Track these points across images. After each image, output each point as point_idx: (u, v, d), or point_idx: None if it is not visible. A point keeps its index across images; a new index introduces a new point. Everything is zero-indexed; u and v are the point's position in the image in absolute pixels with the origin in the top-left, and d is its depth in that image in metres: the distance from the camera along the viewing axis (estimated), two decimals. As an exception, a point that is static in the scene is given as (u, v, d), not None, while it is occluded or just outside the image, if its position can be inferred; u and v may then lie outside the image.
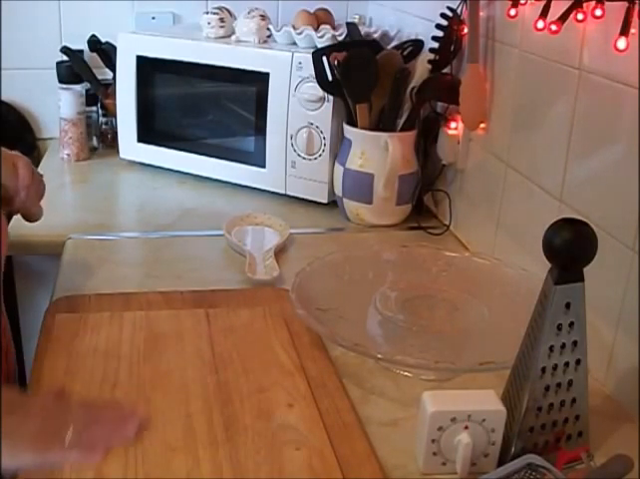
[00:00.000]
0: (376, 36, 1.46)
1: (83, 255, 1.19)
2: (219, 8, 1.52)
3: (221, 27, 1.49)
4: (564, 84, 0.96)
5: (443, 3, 1.25)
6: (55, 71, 1.61)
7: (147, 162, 1.57)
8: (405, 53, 1.36)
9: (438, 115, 1.36)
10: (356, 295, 1.02)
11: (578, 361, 0.74)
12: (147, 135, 1.55)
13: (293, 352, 0.92)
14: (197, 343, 0.93)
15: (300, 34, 1.40)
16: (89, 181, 1.55)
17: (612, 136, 0.87)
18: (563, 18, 0.88)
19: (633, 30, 0.79)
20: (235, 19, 1.50)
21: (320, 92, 1.33)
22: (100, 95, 1.65)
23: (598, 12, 0.84)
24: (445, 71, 1.29)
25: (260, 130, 1.41)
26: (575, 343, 0.73)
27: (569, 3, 0.87)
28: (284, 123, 1.38)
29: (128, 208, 1.49)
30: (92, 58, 1.67)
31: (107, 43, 1.64)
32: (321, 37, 1.39)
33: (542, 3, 0.92)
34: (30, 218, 1.01)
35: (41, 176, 1.00)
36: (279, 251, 1.21)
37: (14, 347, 0.94)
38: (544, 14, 0.92)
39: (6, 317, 0.93)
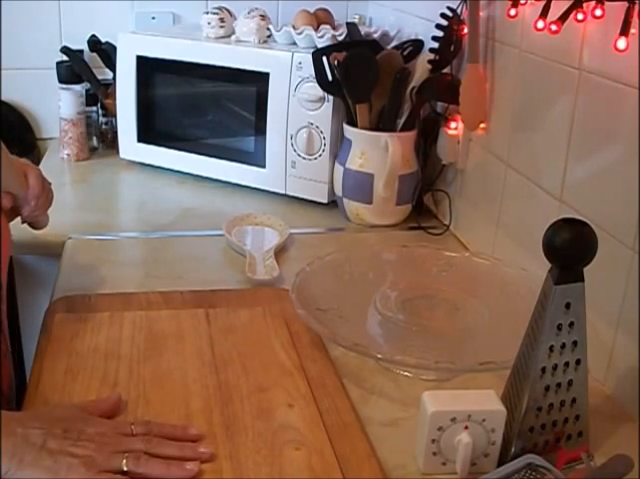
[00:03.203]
0: (376, 36, 1.46)
1: (83, 255, 1.19)
2: (219, 8, 1.52)
3: (221, 27, 1.49)
4: (564, 84, 0.96)
5: (443, 3, 1.25)
6: (55, 71, 1.61)
7: (147, 162, 1.57)
8: (405, 53, 1.36)
9: (438, 115, 1.36)
10: (356, 295, 1.02)
11: (578, 361, 0.74)
12: (147, 135, 1.55)
13: (293, 352, 0.92)
14: (197, 343, 0.93)
15: (300, 34, 1.40)
16: (89, 181, 1.55)
17: (612, 136, 0.87)
18: (563, 18, 0.88)
19: (633, 30, 0.79)
20: (235, 19, 1.50)
21: (320, 92, 1.33)
22: (100, 95, 1.65)
23: (598, 12, 0.84)
24: (445, 71, 1.29)
25: (260, 130, 1.41)
26: (575, 343, 0.73)
27: (569, 3, 0.87)
28: (284, 123, 1.38)
29: (128, 208, 1.49)
30: (92, 58, 1.67)
31: (107, 43, 1.64)
32: (321, 37, 1.39)
33: (542, 3, 0.92)
34: (37, 226, 1.02)
35: (49, 184, 1.00)
36: (279, 251, 1.21)
37: (9, 349, 0.94)
38: (544, 14, 0.92)
39: (5, 321, 0.93)
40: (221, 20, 1.49)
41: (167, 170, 1.55)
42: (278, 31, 1.43)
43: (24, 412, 0.76)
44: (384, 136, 1.28)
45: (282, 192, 1.43)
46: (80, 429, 0.70)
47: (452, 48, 1.26)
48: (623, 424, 0.83)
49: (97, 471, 0.67)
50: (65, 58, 1.62)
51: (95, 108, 1.69)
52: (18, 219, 0.99)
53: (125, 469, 0.68)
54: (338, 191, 1.36)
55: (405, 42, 1.40)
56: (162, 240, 1.27)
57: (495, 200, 1.17)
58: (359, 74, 1.27)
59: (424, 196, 1.39)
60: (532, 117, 1.06)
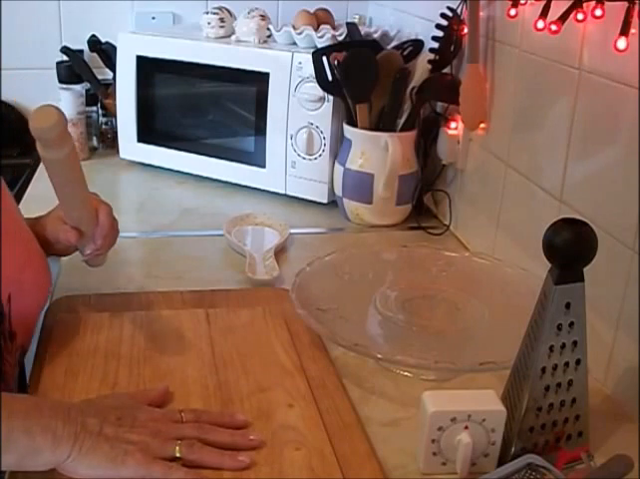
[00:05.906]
0: (376, 36, 1.46)
1: (83, 255, 1.19)
2: (219, 8, 1.52)
3: (221, 27, 1.49)
4: (564, 84, 0.96)
5: (443, 3, 1.25)
6: (55, 71, 1.61)
7: (147, 162, 1.57)
8: (405, 53, 1.36)
9: (438, 115, 1.36)
10: (356, 295, 1.02)
11: (578, 361, 0.74)
12: (147, 135, 1.55)
13: (293, 352, 0.92)
14: (197, 343, 0.93)
15: (300, 34, 1.40)
16: (89, 181, 1.53)
17: (612, 136, 0.87)
18: (563, 18, 0.88)
19: (633, 30, 0.79)
20: (235, 19, 1.50)
21: (320, 92, 1.33)
22: (100, 95, 1.66)
23: (598, 12, 0.84)
24: (445, 71, 1.29)
25: (260, 130, 1.41)
26: (575, 343, 0.73)
27: (569, 3, 0.88)
28: (284, 123, 1.38)
29: (128, 208, 1.49)
30: (92, 58, 1.67)
31: (107, 43, 1.65)
32: (321, 37, 1.39)
33: (542, 3, 0.92)
34: (94, 264, 0.97)
35: (116, 222, 0.95)
36: (279, 251, 1.21)
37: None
38: (544, 14, 0.92)
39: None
40: (221, 20, 1.49)
41: (167, 170, 1.55)
42: (278, 31, 1.43)
43: (79, 401, 0.77)
44: (384, 136, 1.28)
45: (282, 192, 1.43)
46: (133, 416, 0.72)
47: (452, 48, 1.26)
48: (623, 424, 0.83)
49: (152, 458, 0.68)
50: (65, 58, 1.62)
51: (95, 108, 1.69)
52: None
53: (178, 456, 0.70)
54: (338, 191, 1.36)
55: (405, 42, 1.40)
56: (162, 240, 1.27)
57: (495, 200, 1.17)
58: (359, 74, 1.27)
59: (424, 196, 1.39)
60: (532, 117, 1.06)
